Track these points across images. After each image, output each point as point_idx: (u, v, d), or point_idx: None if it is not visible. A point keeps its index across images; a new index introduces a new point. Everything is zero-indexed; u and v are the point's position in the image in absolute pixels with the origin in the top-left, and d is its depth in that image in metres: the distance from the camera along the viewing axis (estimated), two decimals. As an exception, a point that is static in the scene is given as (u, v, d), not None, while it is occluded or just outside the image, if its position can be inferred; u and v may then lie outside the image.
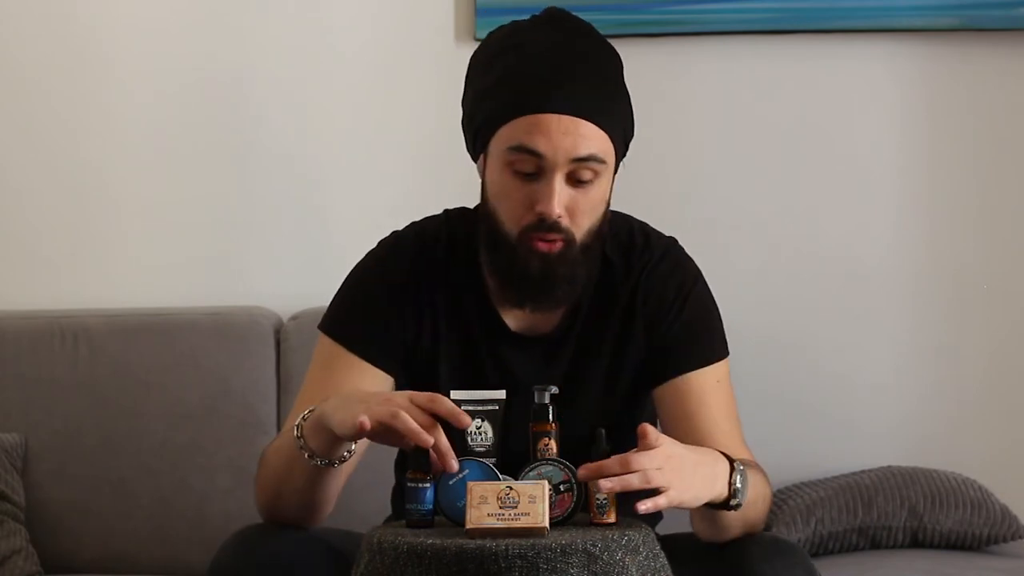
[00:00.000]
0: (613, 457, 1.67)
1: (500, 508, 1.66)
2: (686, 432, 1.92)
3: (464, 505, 1.67)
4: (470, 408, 1.77)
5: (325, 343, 1.99)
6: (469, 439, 1.77)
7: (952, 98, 2.96)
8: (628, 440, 1.95)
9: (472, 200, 2.03)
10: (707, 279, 2.04)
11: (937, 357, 2.95)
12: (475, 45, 2.85)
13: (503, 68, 1.89)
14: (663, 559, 1.72)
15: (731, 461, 1.77)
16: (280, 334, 2.84)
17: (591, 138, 1.86)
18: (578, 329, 1.98)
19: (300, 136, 2.98)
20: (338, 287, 2.04)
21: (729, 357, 2.03)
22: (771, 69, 2.96)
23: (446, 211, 2.06)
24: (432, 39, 2.94)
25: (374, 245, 2.05)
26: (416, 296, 1.97)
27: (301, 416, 1.82)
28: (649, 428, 1.69)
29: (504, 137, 1.87)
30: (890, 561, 2.58)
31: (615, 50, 1.96)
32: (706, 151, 2.97)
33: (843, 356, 2.94)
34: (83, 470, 2.74)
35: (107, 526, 2.73)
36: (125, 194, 2.98)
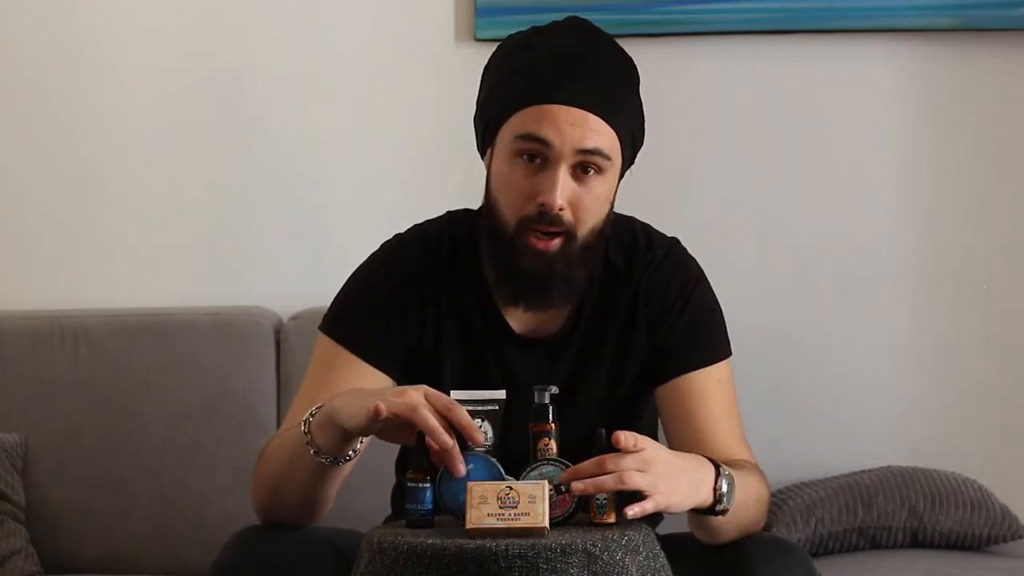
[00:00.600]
0: (590, 460, 1.67)
1: (500, 508, 1.66)
2: (687, 432, 1.92)
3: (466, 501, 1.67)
4: (470, 408, 1.77)
5: (325, 343, 1.99)
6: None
7: (952, 98, 2.96)
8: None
9: (473, 200, 2.03)
10: (708, 279, 2.04)
11: (937, 357, 2.95)
12: (475, 45, 2.87)
13: (517, 62, 1.92)
14: (663, 559, 1.72)
15: (717, 466, 1.77)
16: (280, 334, 2.84)
17: (598, 132, 1.87)
18: (581, 330, 1.98)
19: (300, 136, 2.98)
20: (339, 288, 2.04)
21: (731, 357, 2.02)
22: (771, 69, 2.96)
23: (448, 213, 2.06)
24: (432, 39, 2.94)
25: (375, 246, 2.05)
26: (419, 297, 1.97)
27: (309, 412, 1.81)
28: (623, 434, 1.67)
29: (513, 126, 1.89)
30: (890, 561, 2.58)
31: (633, 62, 1.98)
32: (706, 151, 2.97)
33: (843, 356, 2.94)
34: (83, 470, 2.74)
35: (107, 526, 2.73)
36: (125, 194, 2.98)
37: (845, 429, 2.91)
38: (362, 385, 1.91)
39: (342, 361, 1.95)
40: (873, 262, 2.96)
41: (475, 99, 2.00)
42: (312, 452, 1.80)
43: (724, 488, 1.76)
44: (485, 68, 1.98)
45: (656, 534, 1.77)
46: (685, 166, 2.97)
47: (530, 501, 1.66)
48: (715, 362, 1.97)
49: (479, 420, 1.77)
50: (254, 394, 2.78)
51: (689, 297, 1.98)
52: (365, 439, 1.82)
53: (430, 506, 1.74)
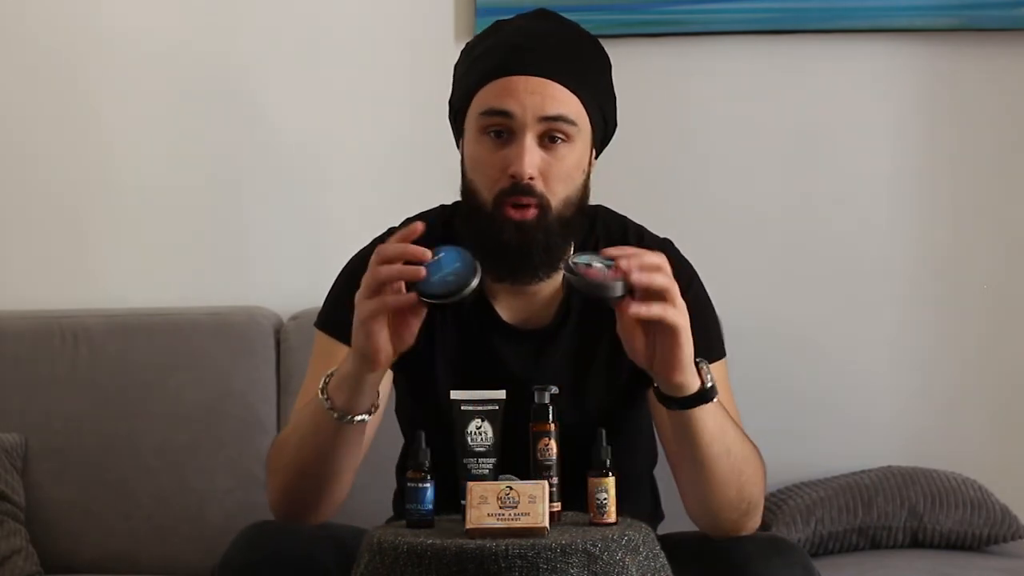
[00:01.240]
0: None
1: (500, 508, 1.66)
2: None
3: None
4: (470, 408, 1.77)
5: (322, 339, 2.00)
6: (469, 439, 1.77)
7: (952, 98, 2.96)
8: (628, 439, 1.96)
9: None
10: (706, 279, 2.04)
11: (937, 357, 2.95)
12: (475, 45, 2.87)
13: (478, 51, 1.95)
14: (663, 559, 1.72)
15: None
16: (280, 334, 2.84)
17: (560, 98, 1.88)
18: (572, 325, 1.98)
19: (300, 136, 2.98)
20: (333, 282, 2.04)
21: (726, 358, 2.02)
22: (771, 69, 2.96)
23: (442, 205, 2.06)
24: (432, 39, 2.95)
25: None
26: None
27: (323, 381, 1.83)
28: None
29: (477, 104, 1.91)
30: (890, 561, 2.58)
31: (601, 45, 1.98)
32: (706, 150, 2.97)
33: (843, 356, 2.94)
34: (83, 470, 2.74)
35: (107, 526, 2.73)
36: (125, 194, 2.98)
37: (845, 429, 2.92)
38: None
39: (339, 354, 1.95)
40: (872, 262, 2.96)
41: None
42: (335, 416, 1.81)
43: (707, 369, 1.79)
44: (454, 67, 2.00)
45: (656, 534, 1.77)
46: (685, 165, 2.97)
47: (530, 501, 1.66)
48: (710, 363, 1.96)
49: (479, 420, 1.77)
50: (254, 394, 2.78)
51: (682, 296, 1.97)
52: (381, 399, 1.85)
53: (430, 506, 1.74)
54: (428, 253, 1.74)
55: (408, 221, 2.04)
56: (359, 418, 1.83)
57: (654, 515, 2.10)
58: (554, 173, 1.88)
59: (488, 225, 1.88)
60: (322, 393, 1.83)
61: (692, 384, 1.78)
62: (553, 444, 1.76)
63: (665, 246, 2.03)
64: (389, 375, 1.97)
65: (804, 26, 2.93)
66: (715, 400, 1.80)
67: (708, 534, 1.92)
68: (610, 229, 2.01)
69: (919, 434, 2.93)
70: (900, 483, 2.70)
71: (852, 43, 2.95)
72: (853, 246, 2.96)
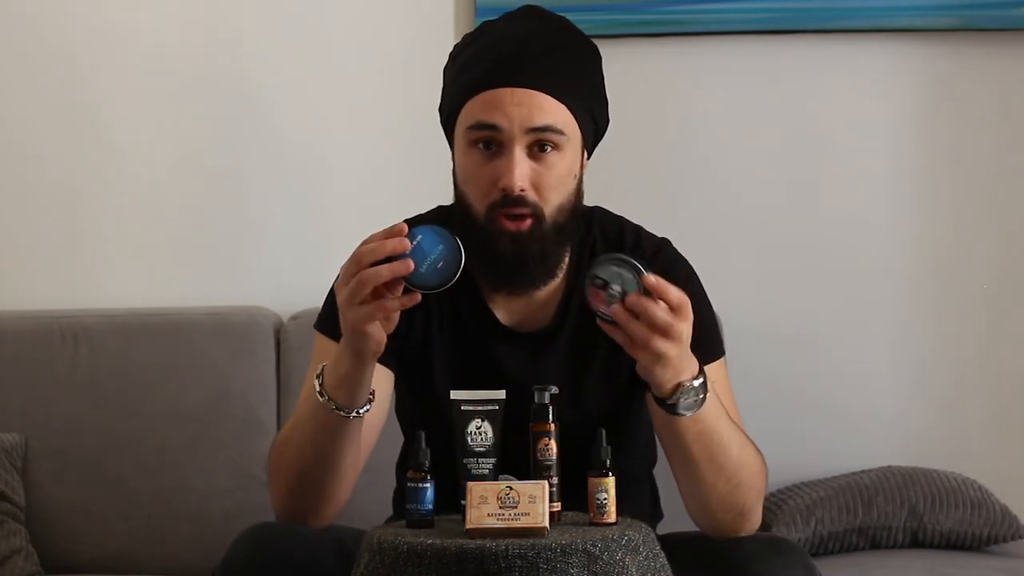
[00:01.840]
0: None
1: (500, 508, 1.66)
2: None
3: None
4: (470, 408, 1.77)
5: (321, 341, 1.99)
6: (469, 439, 1.77)
7: (952, 98, 2.96)
8: (627, 439, 1.95)
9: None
10: (706, 278, 2.03)
11: (937, 357, 2.96)
12: (475, 45, 2.87)
13: (463, 58, 1.94)
14: (663, 559, 1.72)
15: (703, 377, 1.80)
16: (280, 334, 2.84)
17: (547, 109, 1.87)
18: (570, 327, 1.97)
19: (300, 136, 2.98)
20: (332, 283, 2.04)
21: (725, 357, 2.02)
22: (771, 69, 2.96)
23: (439, 206, 2.06)
24: (432, 39, 2.94)
25: None
26: None
27: (316, 378, 1.83)
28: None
29: (465, 117, 1.90)
30: (890, 561, 2.58)
31: (592, 42, 1.97)
32: (706, 150, 2.97)
33: (843, 356, 2.94)
34: (83, 470, 2.74)
35: (107, 526, 2.73)
36: (125, 194, 2.98)
37: (845, 429, 2.92)
38: None
39: None
40: (873, 262, 2.96)
41: None
42: (339, 414, 1.81)
43: (691, 386, 1.78)
44: (443, 70, 2.00)
45: (656, 534, 1.77)
46: (685, 165, 2.97)
47: (530, 501, 1.66)
48: (708, 362, 1.95)
49: (479, 420, 1.77)
50: (254, 394, 2.78)
51: None
52: (383, 400, 1.87)
53: (430, 506, 1.74)
54: (407, 243, 1.73)
55: (405, 224, 2.05)
56: (361, 411, 1.84)
57: (654, 515, 2.10)
58: (545, 182, 1.88)
59: (483, 237, 1.88)
60: (322, 396, 1.83)
61: (666, 389, 1.78)
62: (553, 444, 1.76)
63: (663, 245, 2.03)
64: (391, 376, 1.97)
65: (804, 26, 2.93)
66: (686, 411, 1.79)
67: (707, 534, 1.91)
68: (607, 230, 2.00)
69: (919, 434, 2.93)
70: (900, 483, 2.70)
71: (852, 43, 2.95)
72: (853, 246, 2.96)
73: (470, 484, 1.68)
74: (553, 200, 1.89)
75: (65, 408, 2.76)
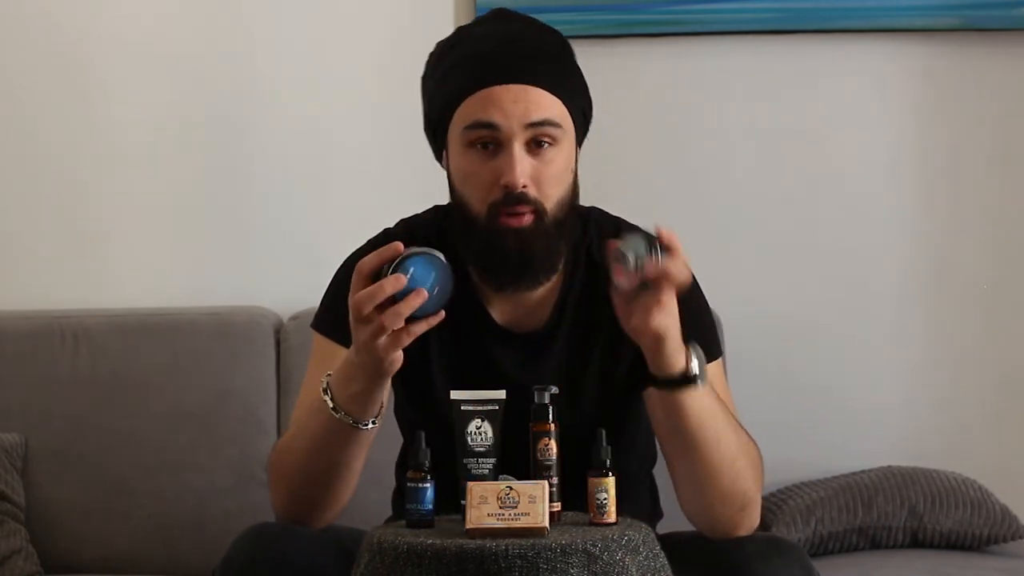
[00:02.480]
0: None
1: (500, 508, 1.66)
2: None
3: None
4: (470, 408, 1.77)
5: (319, 341, 1.99)
6: (469, 439, 1.77)
7: (952, 98, 2.96)
8: (627, 439, 1.95)
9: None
10: (705, 278, 2.03)
11: (937, 358, 2.96)
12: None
13: (448, 62, 1.94)
14: (663, 559, 1.72)
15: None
16: (280, 334, 2.84)
17: (543, 104, 1.88)
18: (566, 327, 1.97)
19: (299, 136, 2.98)
20: (328, 283, 2.04)
21: (722, 358, 2.02)
22: (771, 69, 2.96)
23: (436, 206, 2.06)
24: (432, 39, 2.93)
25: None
26: None
27: (323, 385, 1.83)
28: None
29: (460, 119, 1.90)
30: (890, 561, 2.58)
31: (562, 36, 1.98)
32: (706, 150, 2.97)
33: (843, 356, 2.94)
34: (83, 470, 2.74)
35: (107, 526, 2.73)
36: (125, 194, 2.99)
37: (845, 429, 2.92)
38: None
39: (336, 356, 1.95)
40: (872, 262, 2.96)
41: None
42: (349, 423, 1.81)
43: (697, 350, 1.81)
44: (422, 78, 2.00)
45: (656, 534, 1.77)
46: (685, 165, 2.97)
47: (530, 501, 1.66)
48: (706, 363, 1.96)
49: (479, 420, 1.77)
50: (254, 394, 2.78)
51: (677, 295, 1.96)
52: (384, 402, 1.85)
53: (430, 506, 1.74)
54: (403, 279, 1.72)
55: (402, 223, 2.04)
56: (371, 424, 1.84)
57: (653, 514, 2.10)
58: (545, 178, 1.88)
59: (485, 236, 1.87)
60: (336, 412, 1.82)
61: (678, 364, 1.79)
62: (553, 444, 1.76)
63: None
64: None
65: (804, 26, 2.93)
66: (702, 385, 1.81)
67: (706, 535, 1.91)
68: (603, 231, 2.00)
69: (919, 434, 2.93)
70: (900, 483, 2.70)
71: (852, 43, 2.95)
72: (853, 247, 2.96)
73: (470, 484, 1.68)
74: (553, 195, 1.89)
75: (65, 408, 2.76)
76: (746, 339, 2.82)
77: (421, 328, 1.75)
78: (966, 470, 2.78)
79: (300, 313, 2.82)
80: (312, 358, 2.01)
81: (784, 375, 2.91)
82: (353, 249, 2.05)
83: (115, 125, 2.98)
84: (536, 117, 1.87)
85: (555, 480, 1.75)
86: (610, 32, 2.88)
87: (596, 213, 2.03)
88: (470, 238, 1.90)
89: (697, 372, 1.80)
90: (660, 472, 2.06)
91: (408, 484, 1.75)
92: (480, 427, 1.77)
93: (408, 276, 1.73)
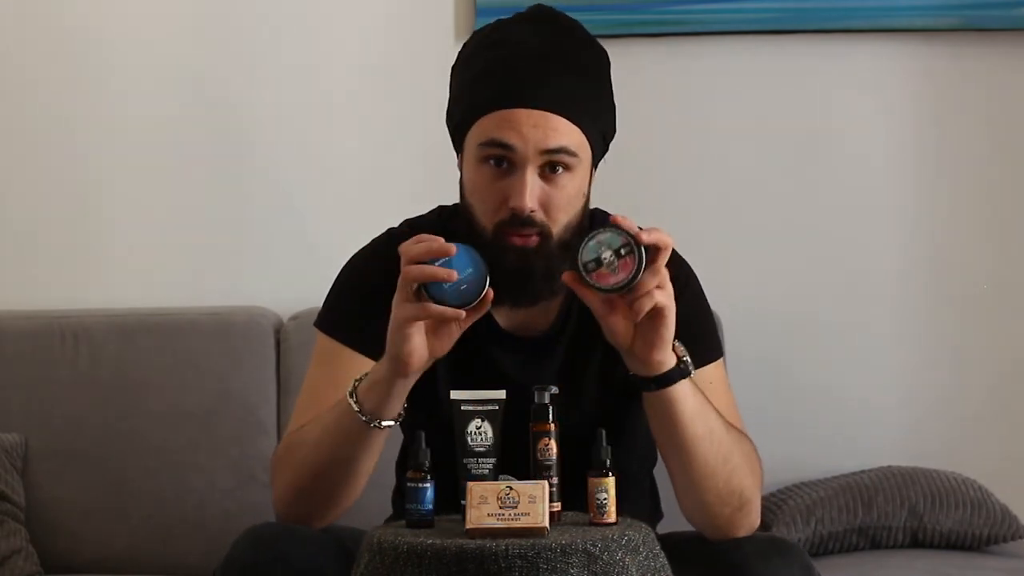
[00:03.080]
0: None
1: (500, 508, 1.66)
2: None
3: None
4: (470, 408, 1.77)
5: (322, 340, 1.99)
6: (469, 439, 1.77)
7: (952, 98, 2.96)
8: (627, 439, 1.95)
9: (473, 201, 2.03)
10: (705, 279, 2.03)
11: (937, 358, 2.96)
12: (475, 45, 2.87)
13: (481, 64, 1.92)
14: (663, 559, 1.72)
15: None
16: (280, 334, 2.84)
17: (562, 131, 1.86)
18: (570, 330, 1.97)
19: (299, 136, 2.98)
20: (332, 283, 2.04)
21: (723, 358, 2.02)
22: (771, 69, 2.96)
23: (440, 207, 2.06)
24: (432, 39, 2.95)
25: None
26: None
27: (352, 384, 1.84)
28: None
29: (477, 133, 1.89)
30: (890, 561, 2.58)
31: (602, 48, 1.96)
32: (706, 150, 2.97)
33: (843, 356, 2.95)
34: (83, 470, 2.74)
35: (107, 526, 2.73)
36: (125, 194, 2.99)
37: (845, 429, 2.92)
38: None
39: (340, 356, 1.95)
40: (873, 261, 2.96)
41: None
42: (362, 419, 1.81)
43: (683, 353, 1.80)
44: (452, 67, 1.98)
45: (656, 534, 1.77)
46: (685, 165, 2.97)
47: (530, 501, 1.66)
48: (706, 363, 1.95)
49: (479, 420, 1.77)
50: (254, 394, 2.78)
51: (679, 296, 1.96)
52: (401, 411, 1.85)
53: (430, 506, 1.74)
54: (452, 248, 1.75)
55: (406, 223, 2.04)
56: (385, 423, 1.83)
57: (653, 514, 2.10)
58: (555, 203, 1.87)
59: (488, 251, 1.87)
60: (351, 396, 1.83)
61: (669, 361, 1.79)
62: (553, 444, 1.76)
63: None
64: None
65: (804, 26, 2.93)
66: (691, 378, 1.81)
67: (705, 535, 1.91)
68: None
69: (919, 433, 2.93)
70: (900, 483, 2.70)
71: (852, 43, 2.95)
72: (854, 246, 2.96)
73: (470, 484, 1.68)
74: (561, 220, 1.88)
75: (65, 408, 2.76)
76: (746, 339, 2.82)
77: (450, 312, 1.76)
78: (966, 470, 2.78)
79: (300, 313, 2.82)
80: (314, 357, 2.01)
81: (784, 375, 2.91)
82: (354, 249, 2.06)
83: (115, 125, 2.98)
84: (553, 144, 1.85)
85: (555, 480, 1.75)
86: (610, 32, 2.87)
87: (599, 215, 2.03)
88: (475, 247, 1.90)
89: (686, 359, 1.80)
90: (660, 472, 2.07)
91: (408, 484, 1.75)
92: (480, 427, 1.77)
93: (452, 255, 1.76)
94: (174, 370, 2.77)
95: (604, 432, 1.76)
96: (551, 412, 1.77)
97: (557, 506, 1.76)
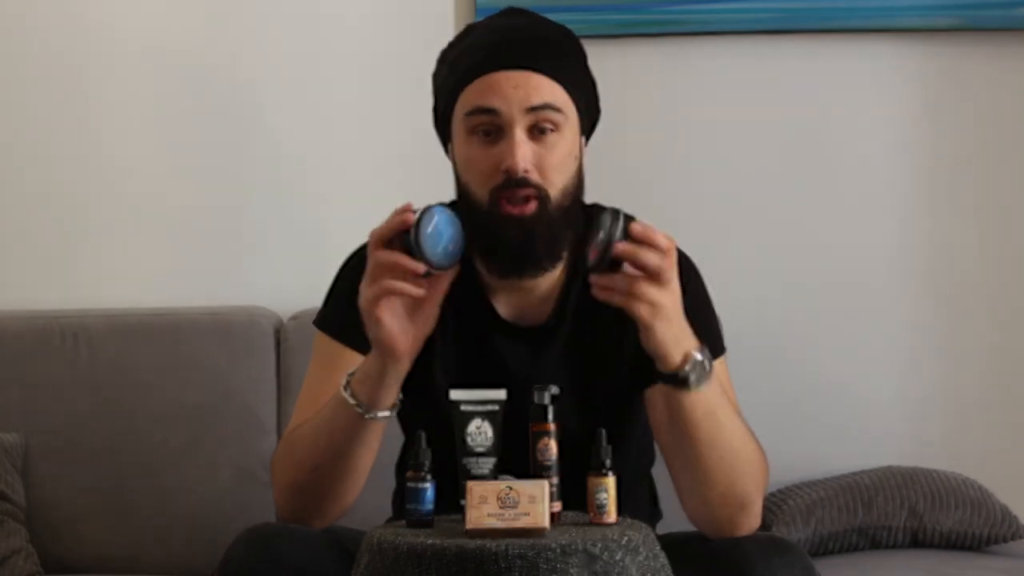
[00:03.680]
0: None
1: (500, 508, 1.66)
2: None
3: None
4: (470, 408, 1.77)
5: (321, 339, 2.00)
6: (469, 439, 1.77)
7: (952, 98, 2.96)
8: (627, 438, 1.95)
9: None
10: (707, 278, 2.04)
11: (937, 357, 2.96)
12: (475, 45, 2.87)
13: (453, 54, 1.95)
14: (663, 559, 1.72)
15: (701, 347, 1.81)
16: (280, 334, 2.84)
17: (543, 88, 1.88)
18: (569, 320, 1.97)
19: (299, 135, 2.98)
20: (332, 280, 2.04)
21: (726, 355, 2.02)
22: (771, 69, 2.96)
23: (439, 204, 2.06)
24: (432, 39, 2.93)
25: None
26: None
27: (345, 379, 1.84)
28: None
29: (461, 106, 1.91)
30: (890, 561, 2.58)
31: (575, 36, 1.98)
32: (706, 151, 2.97)
33: (844, 356, 2.94)
34: (83, 470, 2.74)
35: (107, 526, 2.73)
36: (125, 194, 2.99)
37: (845, 429, 2.92)
38: None
39: (339, 355, 1.95)
40: (874, 262, 2.96)
41: None
42: (357, 411, 1.82)
43: (698, 358, 1.78)
44: (432, 75, 2.00)
45: (656, 534, 1.77)
46: (685, 165, 2.97)
47: (530, 501, 1.66)
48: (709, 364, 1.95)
49: (479, 420, 1.77)
50: (254, 394, 2.78)
51: (682, 291, 1.96)
52: (396, 401, 1.86)
53: (430, 506, 1.74)
54: (410, 217, 1.76)
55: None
56: (381, 414, 1.84)
57: (653, 514, 2.10)
58: (548, 163, 1.88)
59: (487, 223, 1.87)
60: (345, 389, 1.84)
61: (673, 359, 1.79)
62: (553, 444, 1.76)
63: None
64: None
65: (804, 26, 2.93)
66: (695, 389, 1.80)
67: (705, 534, 1.91)
68: None
69: (919, 434, 2.93)
70: (900, 483, 2.70)
71: (852, 43, 2.95)
72: (854, 246, 2.96)
73: (470, 484, 1.68)
74: (557, 182, 1.89)
75: (65, 408, 2.76)
76: (746, 338, 2.80)
77: (397, 288, 1.76)
78: (966, 470, 2.78)
79: (300, 313, 2.82)
80: (314, 356, 2.01)
81: (784, 375, 2.91)
82: (354, 248, 2.06)
83: (114, 125, 2.98)
84: (536, 101, 1.87)
85: (555, 480, 1.75)
86: (610, 32, 2.88)
87: (598, 210, 2.03)
88: (473, 226, 1.90)
89: (689, 373, 1.79)
90: (660, 472, 2.07)
91: (408, 484, 1.75)
92: (480, 427, 1.77)
93: (432, 222, 1.76)
94: (174, 370, 2.77)
95: (604, 432, 1.76)
96: (551, 412, 1.77)
97: (557, 506, 1.76)
